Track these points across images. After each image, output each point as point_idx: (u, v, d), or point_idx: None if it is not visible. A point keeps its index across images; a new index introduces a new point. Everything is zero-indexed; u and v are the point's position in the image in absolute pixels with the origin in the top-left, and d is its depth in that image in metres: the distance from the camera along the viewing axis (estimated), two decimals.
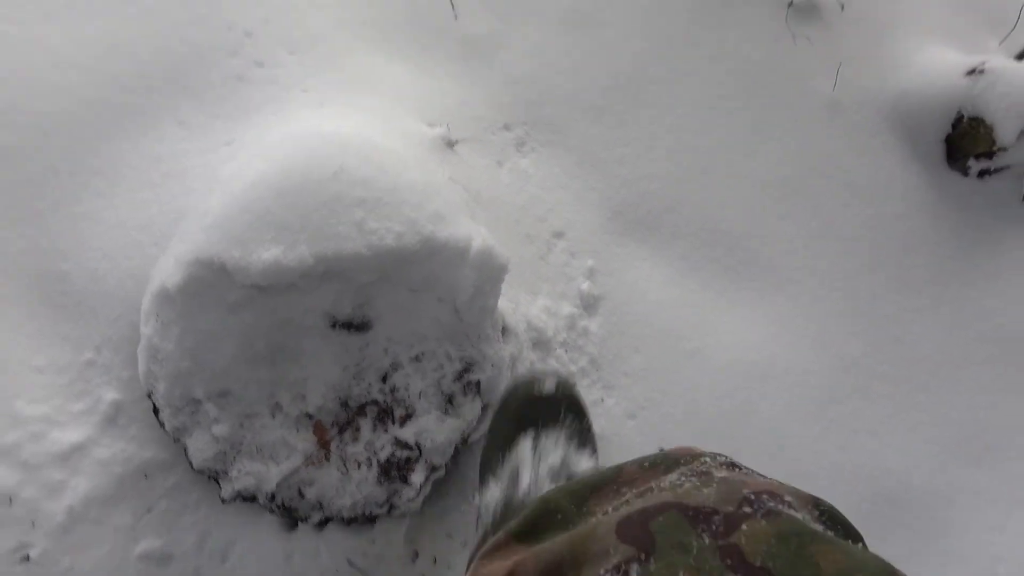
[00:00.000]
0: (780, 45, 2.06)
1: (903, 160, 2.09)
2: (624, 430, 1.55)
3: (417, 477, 1.14)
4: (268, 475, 1.06)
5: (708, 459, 0.62)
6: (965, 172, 2.11)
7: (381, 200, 1.05)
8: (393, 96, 1.61)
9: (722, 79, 1.98)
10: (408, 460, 1.13)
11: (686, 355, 1.67)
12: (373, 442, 1.13)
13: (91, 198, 1.40)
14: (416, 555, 1.35)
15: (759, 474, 0.63)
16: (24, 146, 1.40)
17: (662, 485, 0.58)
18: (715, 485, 0.56)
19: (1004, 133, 2.01)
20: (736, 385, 1.66)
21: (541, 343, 1.46)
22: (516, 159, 1.70)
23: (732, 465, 0.63)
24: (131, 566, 1.24)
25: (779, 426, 1.67)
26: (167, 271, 1.04)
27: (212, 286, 1.02)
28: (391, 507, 1.14)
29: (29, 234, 1.36)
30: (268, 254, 1.00)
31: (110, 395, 1.29)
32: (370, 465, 1.12)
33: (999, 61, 2.05)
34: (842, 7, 2.10)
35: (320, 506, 1.10)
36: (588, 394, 1.52)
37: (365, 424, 1.11)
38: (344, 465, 1.11)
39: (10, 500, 1.20)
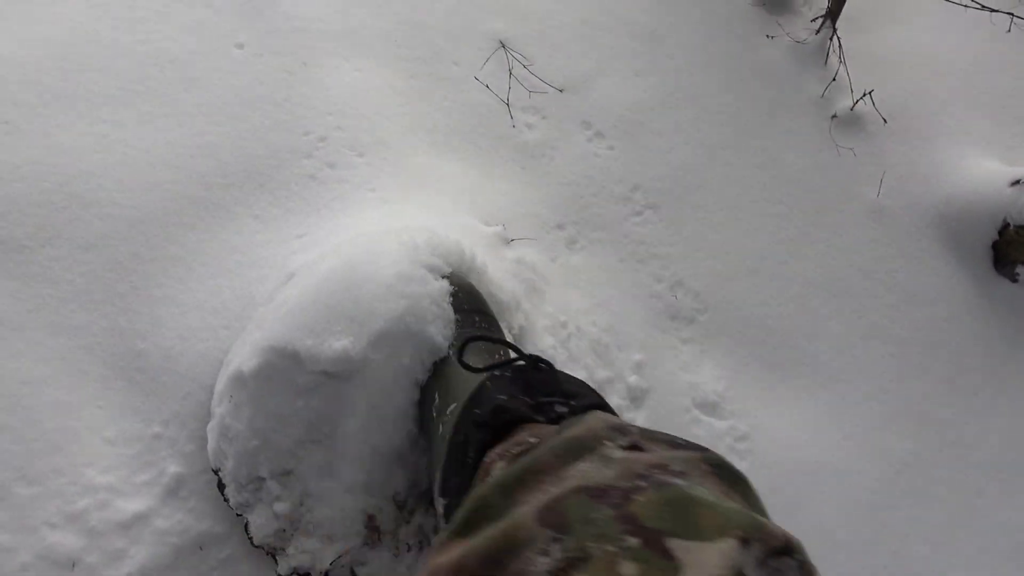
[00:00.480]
0: (824, 154, 2.14)
1: (950, 265, 2.11)
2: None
3: None
4: (324, 554, 1.10)
5: (609, 443, 0.71)
6: (1014, 279, 2.12)
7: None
8: (452, 196, 1.71)
9: (768, 184, 2.05)
10: None
11: (732, 450, 1.67)
12: (424, 524, 1.16)
13: (170, 283, 1.51)
14: None
15: (660, 444, 0.72)
16: (113, 234, 1.52)
17: (572, 473, 0.66)
18: (615, 466, 0.66)
19: None
20: (786, 481, 1.65)
21: None
22: (567, 256, 1.77)
23: (633, 447, 0.71)
24: None
25: (829, 527, 1.64)
26: (243, 356, 1.11)
27: (284, 371, 1.09)
28: None
29: (111, 314, 1.46)
30: (339, 344, 1.07)
31: (173, 468, 1.35)
32: (420, 548, 1.15)
33: None
34: (884, 121, 2.18)
35: None
36: None
37: (419, 507, 1.15)
38: (396, 547, 1.14)
39: (73, 565, 1.25)
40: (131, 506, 1.32)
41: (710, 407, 1.71)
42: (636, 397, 1.64)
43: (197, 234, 1.56)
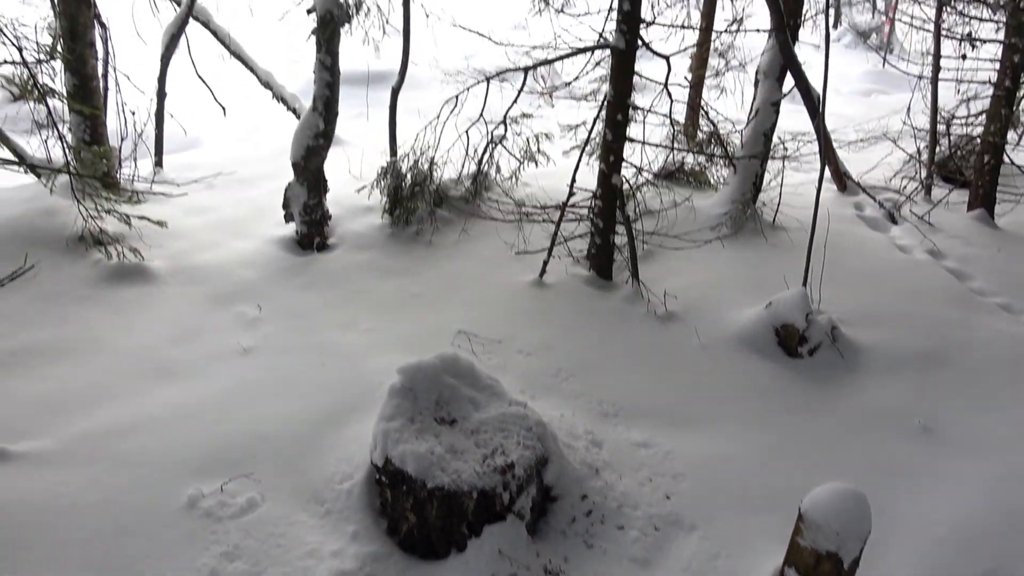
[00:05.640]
0: (657, 335, 3.63)
1: (760, 362, 3.47)
2: (635, 455, 2.60)
3: (518, 471, 2.25)
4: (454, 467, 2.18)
5: None
6: (801, 356, 3.49)
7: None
8: None
9: (629, 358, 3.46)
10: (511, 464, 2.26)
11: (665, 458, 2.78)
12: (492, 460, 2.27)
13: (325, 449, 2.69)
14: (538, 554, 2.30)
15: None
16: (289, 440, 2.74)
17: None
18: None
19: (798, 322, 3.47)
20: (696, 465, 2.74)
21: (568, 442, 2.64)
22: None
23: None
24: None
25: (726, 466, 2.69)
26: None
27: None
28: (506, 486, 2.22)
29: (292, 469, 2.61)
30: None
31: (351, 527, 2.39)
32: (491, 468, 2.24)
33: (777, 296, 3.64)
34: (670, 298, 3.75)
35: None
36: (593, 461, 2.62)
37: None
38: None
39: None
40: (331, 547, 2.33)
41: (642, 444, 2.86)
42: (595, 443, 2.79)
43: (329, 430, 2.79)
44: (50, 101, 3.99)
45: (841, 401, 3.23)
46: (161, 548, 2.29)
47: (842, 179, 5.63)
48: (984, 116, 5.36)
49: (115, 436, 2.78)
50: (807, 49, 7.81)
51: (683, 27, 4.33)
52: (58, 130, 4.15)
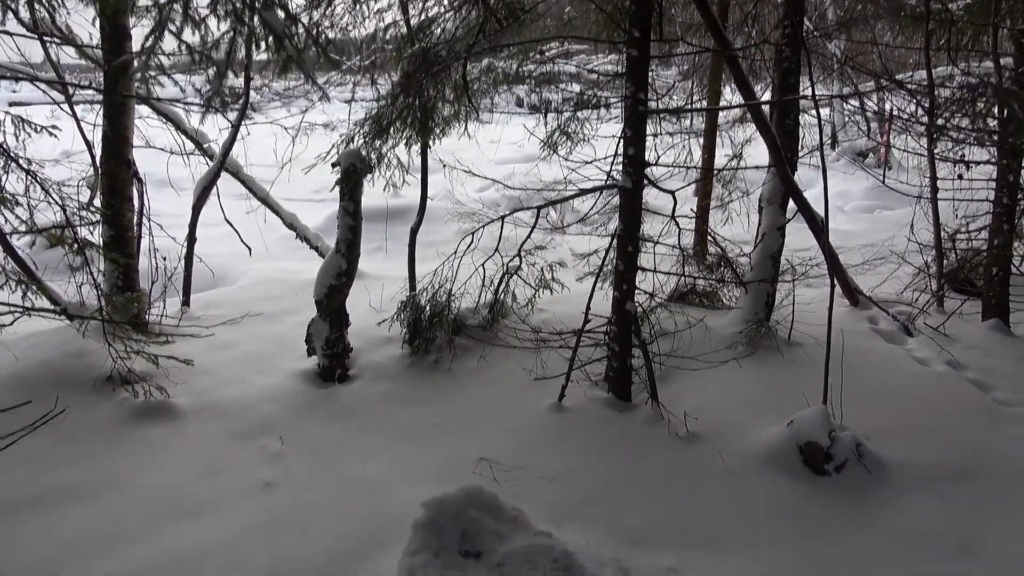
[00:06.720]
0: (679, 457, 3.60)
1: (785, 482, 3.42)
2: None
3: None
4: None
5: None
6: (828, 473, 3.45)
7: None
8: None
9: (647, 478, 3.44)
10: None
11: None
12: None
13: None
14: None
15: None
16: (306, 572, 2.71)
17: None
18: None
19: (822, 439, 3.45)
20: None
21: None
22: None
23: None
24: None
25: None
26: None
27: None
28: None
29: None
30: None
31: None
32: None
33: (798, 414, 3.63)
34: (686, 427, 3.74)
35: None
36: None
37: None
38: None
39: None
40: None
41: (671, 570, 2.79)
42: (623, 570, 2.73)
43: (355, 564, 2.75)
44: (87, 250, 4.22)
45: (874, 520, 3.16)
46: None
47: (853, 294, 5.70)
48: (987, 230, 5.49)
49: None
50: (807, 170, 8.15)
51: (686, 167, 4.55)
52: (92, 277, 4.36)
